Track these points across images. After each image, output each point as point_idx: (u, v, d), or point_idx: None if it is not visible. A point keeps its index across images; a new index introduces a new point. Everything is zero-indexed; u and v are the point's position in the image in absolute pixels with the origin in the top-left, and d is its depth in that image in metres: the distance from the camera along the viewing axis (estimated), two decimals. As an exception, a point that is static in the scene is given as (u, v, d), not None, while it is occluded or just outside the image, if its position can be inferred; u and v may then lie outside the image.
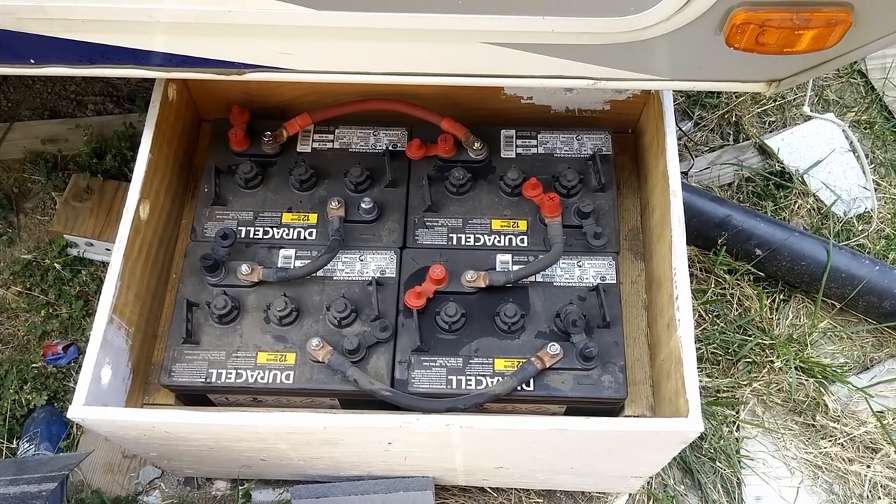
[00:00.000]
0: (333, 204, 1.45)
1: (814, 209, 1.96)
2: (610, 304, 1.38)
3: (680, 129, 2.05)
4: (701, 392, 1.72)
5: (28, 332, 1.82)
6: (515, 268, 1.42)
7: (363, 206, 1.45)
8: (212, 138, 1.57)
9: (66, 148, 2.02)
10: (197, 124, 1.67)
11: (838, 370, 1.77)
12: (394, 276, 1.43)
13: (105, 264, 1.85)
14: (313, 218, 1.48)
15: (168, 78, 1.47)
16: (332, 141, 1.56)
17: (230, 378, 1.35)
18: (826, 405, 1.74)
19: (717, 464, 1.69)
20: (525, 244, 1.45)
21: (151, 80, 1.49)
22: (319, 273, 1.41)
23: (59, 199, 1.91)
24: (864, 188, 1.96)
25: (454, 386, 1.33)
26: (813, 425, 1.74)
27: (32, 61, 1.21)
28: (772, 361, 1.77)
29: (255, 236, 1.47)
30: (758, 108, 2.13)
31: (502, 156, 1.54)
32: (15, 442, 1.70)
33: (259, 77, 1.23)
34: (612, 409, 1.39)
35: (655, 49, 1.09)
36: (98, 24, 1.12)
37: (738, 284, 1.84)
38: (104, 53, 1.18)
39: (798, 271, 1.79)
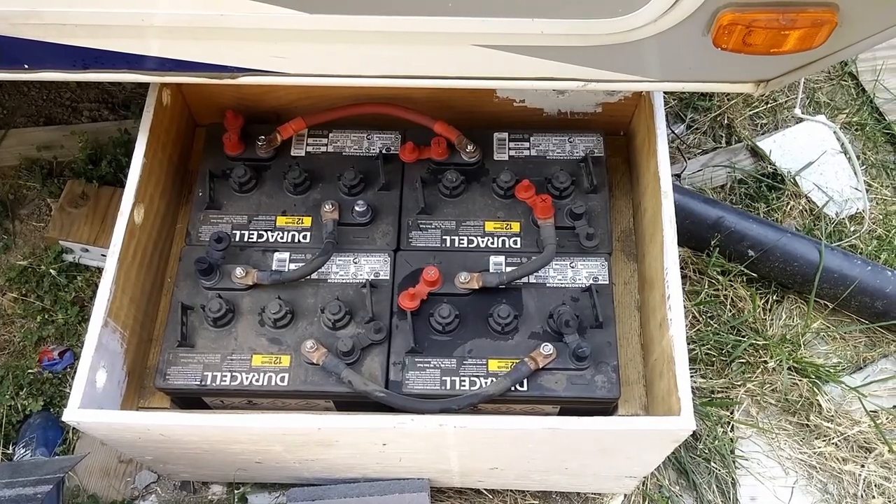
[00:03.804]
0: (327, 207, 1.46)
1: (806, 210, 1.97)
2: (603, 305, 1.39)
3: (672, 131, 2.07)
4: (695, 393, 1.74)
5: (24, 338, 1.82)
6: (508, 269, 1.43)
7: (357, 208, 1.46)
8: (206, 143, 1.58)
9: (61, 154, 2.03)
10: (191, 129, 1.68)
11: (832, 370, 1.78)
12: (388, 278, 1.43)
13: (100, 270, 1.84)
14: (307, 221, 1.49)
15: (162, 82, 1.48)
16: (326, 145, 1.57)
17: (225, 381, 1.35)
18: (820, 405, 1.75)
19: (712, 464, 1.70)
20: (518, 246, 1.46)
21: (146, 86, 1.50)
22: (314, 276, 1.42)
23: (55, 206, 1.91)
24: (856, 189, 1.97)
25: (448, 387, 1.33)
26: (807, 425, 1.74)
27: (26, 66, 1.22)
28: (765, 362, 1.78)
29: (250, 240, 1.48)
30: (749, 110, 2.14)
31: (495, 158, 1.55)
32: (11, 447, 1.70)
33: (252, 81, 1.24)
34: (605, 408, 1.39)
35: (644, 50, 1.10)
36: (92, 28, 1.13)
37: (732, 285, 1.85)
38: (98, 58, 1.20)
39: (791, 272, 1.80)
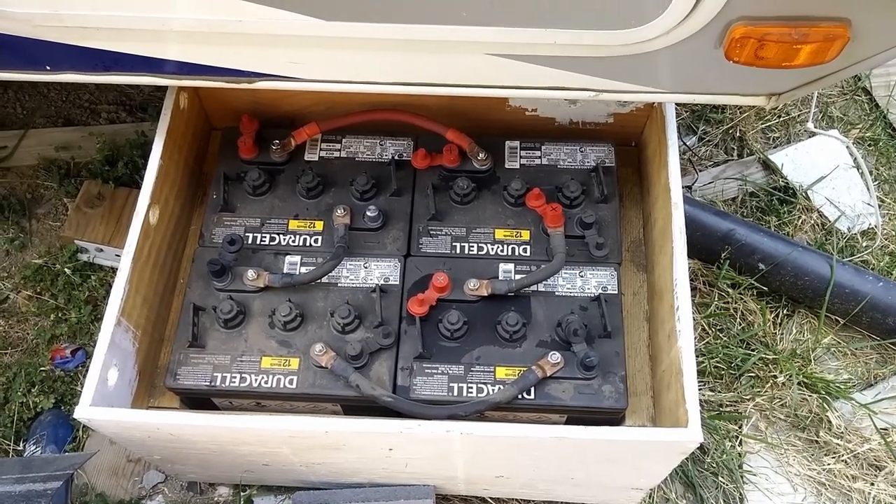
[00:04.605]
0: (339, 212, 1.48)
1: (818, 225, 1.97)
2: (611, 315, 1.39)
3: (684, 143, 2.07)
4: (704, 406, 1.73)
5: (37, 336, 1.84)
6: (518, 277, 1.43)
7: (368, 214, 1.48)
8: (221, 146, 1.59)
9: (78, 155, 2.06)
10: (207, 133, 1.70)
11: (842, 386, 1.77)
12: (397, 283, 1.44)
13: (114, 270, 1.86)
14: (319, 225, 1.50)
15: (180, 86, 1.51)
16: (339, 150, 1.59)
17: (234, 382, 1.36)
18: (829, 421, 1.73)
19: (720, 478, 1.69)
20: (528, 254, 1.47)
21: (164, 90, 1.53)
22: (324, 279, 1.43)
23: (71, 206, 1.94)
24: (868, 205, 1.96)
25: (455, 393, 1.34)
26: (816, 441, 1.73)
27: (48, 68, 1.25)
28: (775, 376, 1.77)
29: (262, 242, 1.49)
30: (762, 123, 2.14)
31: (506, 166, 1.56)
32: (22, 444, 1.72)
33: (269, 86, 1.26)
34: (612, 418, 1.39)
35: (656, 62, 1.11)
36: (113, 32, 1.15)
37: (742, 298, 1.84)
38: (118, 61, 1.22)
39: (801, 286, 1.79)
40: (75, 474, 1.63)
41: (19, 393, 1.75)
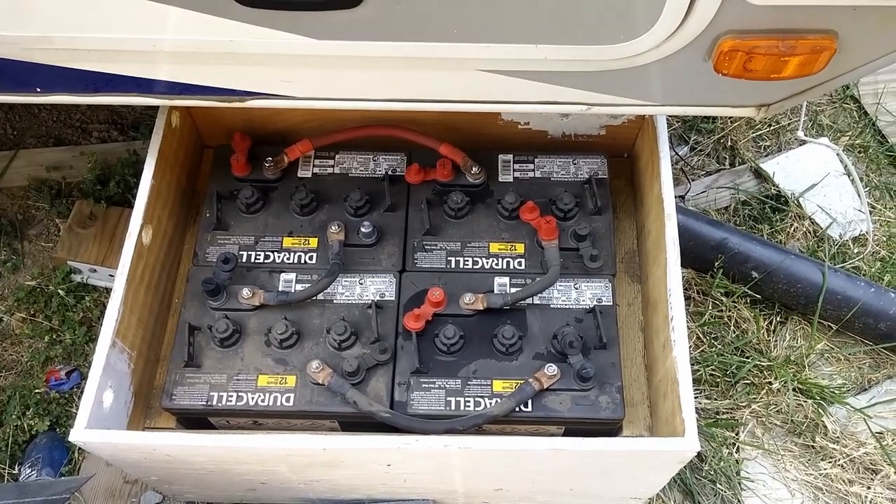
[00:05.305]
0: (333, 228, 1.48)
1: (809, 232, 1.98)
2: (606, 326, 1.39)
3: (676, 153, 2.08)
4: (700, 414, 1.73)
5: (31, 358, 1.83)
6: (513, 290, 1.44)
7: (363, 230, 1.48)
8: (214, 164, 1.60)
9: (70, 175, 2.05)
10: (199, 150, 1.70)
11: (836, 391, 1.78)
12: (393, 299, 1.44)
13: (108, 290, 1.86)
14: (314, 242, 1.50)
15: (171, 105, 1.50)
16: (333, 166, 1.59)
17: (231, 401, 1.36)
18: (825, 426, 1.74)
19: (718, 486, 1.69)
20: (522, 267, 1.47)
21: (155, 108, 1.52)
22: (320, 296, 1.43)
23: (63, 226, 1.93)
24: (859, 211, 1.98)
25: (453, 407, 1.34)
26: (812, 446, 1.74)
27: (38, 90, 1.24)
28: (770, 383, 1.78)
29: (257, 260, 1.49)
30: (753, 132, 2.16)
31: (500, 180, 1.56)
32: (16, 468, 1.70)
33: (261, 104, 1.26)
34: (610, 429, 1.39)
35: (646, 75, 1.12)
36: (103, 53, 1.15)
37: (735, 307, 1.85)
38: (109, 82, 1.22)
39: (794, 293, 1.80)
40: (72, 498, 1.62)
41: (14, 416, 1.73)
